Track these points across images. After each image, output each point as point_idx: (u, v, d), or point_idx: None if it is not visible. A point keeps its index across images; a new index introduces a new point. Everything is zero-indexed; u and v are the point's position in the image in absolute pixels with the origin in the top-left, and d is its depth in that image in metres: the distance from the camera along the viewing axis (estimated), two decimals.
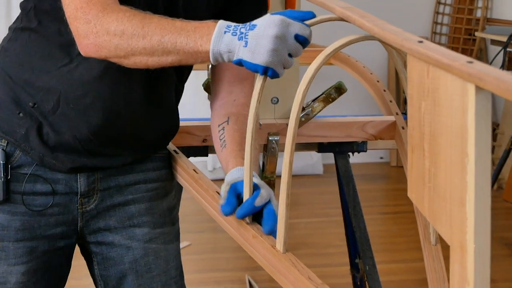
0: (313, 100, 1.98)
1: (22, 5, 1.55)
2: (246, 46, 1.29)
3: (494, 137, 5.11)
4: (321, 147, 2.12)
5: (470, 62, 0.93)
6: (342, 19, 1.33)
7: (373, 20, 1.22)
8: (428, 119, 1.03)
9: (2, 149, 1.51)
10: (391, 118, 2.02)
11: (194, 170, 1.64)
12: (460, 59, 0.94)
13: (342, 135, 2.01)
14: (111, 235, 1.61)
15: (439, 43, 5.51)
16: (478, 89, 0.88)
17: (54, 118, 1.50)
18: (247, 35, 1.29)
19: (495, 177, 4.20)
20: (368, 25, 1.21)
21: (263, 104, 2.00)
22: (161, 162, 1.67)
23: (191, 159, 2.10)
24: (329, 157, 5.36)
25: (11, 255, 1.53)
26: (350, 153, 2.18)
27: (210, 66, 1.87)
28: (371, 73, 2.45)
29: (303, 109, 1.99)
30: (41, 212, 1.54)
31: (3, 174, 1.51)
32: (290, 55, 1.32)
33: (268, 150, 1.96)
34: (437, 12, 5.49)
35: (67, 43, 1.47)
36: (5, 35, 1.59)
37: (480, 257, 0.89)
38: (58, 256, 1.59)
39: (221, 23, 1.31)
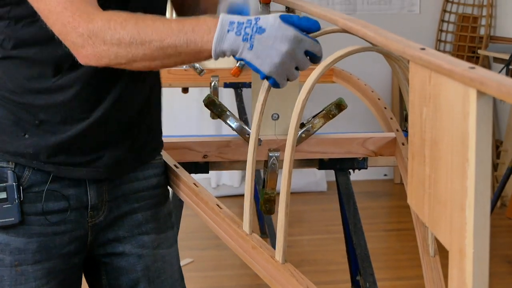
0: (314, 117, 1.98)
1: None
2: (251, 49, 1.29)
3: (498, 155, 5.10)
4: (322, 164, 2.12)
5: (472, 68, 0.94)
6: (345, 31, 1.34)
7: (375, 30, 1.24)
8: (429, 125, 1.04)
9: (12, 171, 1.48)
10: (392, 134, 2.03)
11: (195, 184, 1.66)
12: (462, 65, 0.95)
13: (342, 151, 2.02)
14: (121, 245, 1.62)
15: None
16: (480, 94, 0.89)
17: (65, 127, 1.49)
18: (253, 37, 1.29)
19: (498, 195, 4.20)
20: (370, 34, 1.23)
21: (263, 120, 2.01)
22: (159, 168, 1.69)
23: (193, 176, 2.12)
24: (333, 174, 5.38)
25: (31, 278, 1.51)
26: (351, 170, 2.19)
27: None
28: (372, 91, 2.47)
29: (303, 125, 2.00)
30: (55, 231, 1.52)
31: (17, 196, 1.48)
32: (297, 68, 1.33)
33: (269, 167, 1.97)
34: (440, 30, 5.51)
35: (53, 59, 1.45)
36: None
37: (479, 262, 0.89)
38: (74, 273, 1.58)
39: (224, 19, 1.30)
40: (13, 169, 1.49)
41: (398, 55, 1.29)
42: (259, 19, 1.31)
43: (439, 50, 5.51)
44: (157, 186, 1.67)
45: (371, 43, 1.26)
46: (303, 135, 1.98)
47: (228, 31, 1.29)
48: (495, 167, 5.08)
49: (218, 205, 1.57)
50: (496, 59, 4.57)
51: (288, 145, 1.31)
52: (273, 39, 1.29)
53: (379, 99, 2.36)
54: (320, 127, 1.98)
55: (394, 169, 5.53)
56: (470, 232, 0.89)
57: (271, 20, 1.31)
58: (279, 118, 2.01)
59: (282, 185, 1.35)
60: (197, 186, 1.65)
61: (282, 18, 1.32)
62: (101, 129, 1.52)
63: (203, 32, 1.29)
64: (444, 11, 5.50)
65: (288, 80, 1.34)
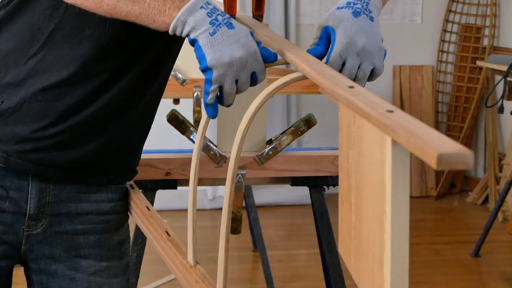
0: (282, 133, 1.91)
1: None
2: (211, 35, 1.25)
3: (500, 168, 5.00)
4: (295, 181, 2.05)
5: (390, 111, 0.86)
6: (288, 63, 1.30)
7: (314, 64, 1.19)
8: (354, 170, 0.97)
9: None
10: None
11: (147, 207, 1.58)
12: (380, 108, 0.88)
13: (311, 169, 1.94)
14: (55, 264, 1.54)
15: (445, 72, 5.43)
16: (395, 141, 0.82)
17: (21, 112, 1.43)
18: (220, 26, 1.25)
19: (497, 209, 4.10)
20: (307, 69, 1.18)
21: (229, 136, 1.94)
22: (116, 194, 1.59)
23: (160, 192, 2.04)
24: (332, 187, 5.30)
25: None
26: (325, 187, 2.11)
27: None
28: None
29: (271, 141, 1.92)
30: None
31: None
32: (236, 82, 1.29)
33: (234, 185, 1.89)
34: (443, 40, 5.41)
35: (33, 33, 1.42)
36: None
37: None
38: None
39: None
40: None
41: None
42: (232, 18, 1.29)
43: (441, 61, 5.42)
44: (109, 212, 1.58)
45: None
46: (270, 152, 1.90)
47: (201, 7, 1.25)
48: (497, 180, 4.98)
49: (167, 232, 1.50)
50: (495, 71, 4.47)
51: (228, 181, 1.24)
52: (235, 40, 1.26)
53: None
54: (288, 144, 1.90)
55: None
56: None
57: (241, 26, 1.29)
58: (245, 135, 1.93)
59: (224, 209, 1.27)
60: (149, 210, 1.57)
61: (251, 33, 1.30)
62: (81, 130, 1.46)
63: None
64: (447, 21, 5.41)
65: (220, 89, 1.28)
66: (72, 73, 1.42)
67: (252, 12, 1.78)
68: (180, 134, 1.92)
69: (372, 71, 1.36)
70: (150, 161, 1.90)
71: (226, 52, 1.25)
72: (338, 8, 1.38)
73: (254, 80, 1.30)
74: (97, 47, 1.42)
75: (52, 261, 1.54)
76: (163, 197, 4.72)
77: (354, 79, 1.35)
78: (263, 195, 5.09)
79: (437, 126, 5.40)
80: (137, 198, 1.61)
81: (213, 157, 1.89)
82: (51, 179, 1.49)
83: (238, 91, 1.31)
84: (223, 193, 4.85)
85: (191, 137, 1.89)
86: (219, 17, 1.26)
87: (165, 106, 3.98)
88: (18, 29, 1.44)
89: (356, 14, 1.35)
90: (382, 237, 0.85)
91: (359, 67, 1.34)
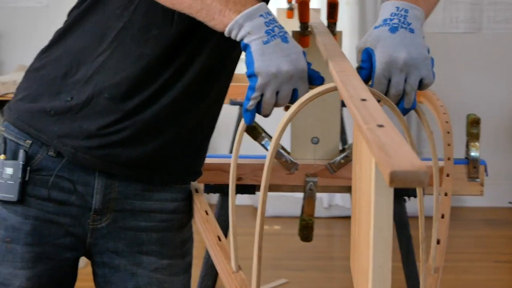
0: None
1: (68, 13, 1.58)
2: (264, 44, 1.27)
3: None
4: None
5: (380, 126, 0.85)
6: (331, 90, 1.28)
7: (347, 75, 1.19)
8: (357, 184, 0.96)
9: (24, 150, 1.51)
10: (441, 163, 1.89)
11: (206, 211, 1.61)
12: (372, 122, 0.86)
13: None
14: (118, 258, 1.58)
15: None
16: None
17: (88, 109, 1.49)
18: (275, 38, 1.28)
19: None
20: (337, 79, 1.18)
21: (302, 144, 1.93)
22: (180, 194, 1.62)
23: (240, 196, 2.06)
24: (453, 199, 5.17)
25: (18, 258, 1.52)
26: (407, 198, 2.07)
27: None
28: (444, 113, 2.33)
29: (344, 150, 1.90)
30: (53, 220, 1.52)
31: (21, 175, 1.50)
32: (276, 93, 1.31)
33: (306, 192, 1.88)
34: None
35: (103, 31, 1.48)
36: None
37: None
38: (63, 266, 1.57)
39: (264, 6, 1.30)
40: (27, 149, 1.51)
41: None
42: (288, 33, 1.31)
43: None
44: (172, 212, 1.61)
45: None
46: (342, 160, 1.88)
47: (261, 15, 1.28)
48: None
49: (218, 237, 1.52)
50: None
51: (262, 188, 1.25)
52: (286, 54, 1.28)
53: (446, 122, 2.22)
54: None
55: None
56: None
57: (296, 43, 1.31)
58: (319, 142, 1.93)
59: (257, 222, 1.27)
60: (207, 214, 1.60)
61: (304, 53, 1.32)
62: (145, 127, 1.50)
63: (239, 1, 1.29)
64: None
65: (262, 97, 1.30)
66: (137, 71, 1.47)
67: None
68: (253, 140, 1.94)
69: (421, 81, 1.34)
70: (222, 165, 1.92)
71: (275, 63, 1.27)
72: (375, 27, 1.38)
73: (294, 97, 1.31)
74: (162, 46, 1.47)
75: (115, 256, 1.58)
76: (275, 203, 4.79)
77: (403, 94, 1.33)
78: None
79: None
80: (199, 202, 1.63)
81: (284, 164, 1.89)
82: (116, 176, 1.54)
83: (277, 104, 1.32)
84: (339, 201, 4.86)
85: (263, 143, 1.90)
86: (276, 29, 1.29)
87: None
88: (89, 27, 1.50)
89: (393, 30, 1.34)
90: (367, 254, 0.83)
91: (406, 81, 1.33)
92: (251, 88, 1.30)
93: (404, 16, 1.36)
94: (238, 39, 1.29)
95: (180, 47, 1.48)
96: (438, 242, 1.50)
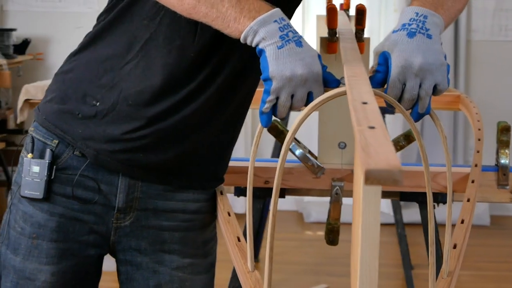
0: None
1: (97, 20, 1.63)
2: (278, 48, 1.30)
3: None
4: (403, 196, 2.03)
5: (371, 128, 0.87)
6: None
7: (357, 80, 1.20)
8: (356, 187, 0.98)
9: (51, 150, 1.56)
10: (466, 170, 1.89)
11: (228, 213, 1.64)
12: (365, 123, 0.88)
13: (410, 185, 1.91)
14: (140, 256, 1.63)
15: None
16: None
17: (113, 114, 1.53)
18: (289, 42, 1.31)
19: None
20: (347, 83, 1.20)
21: (329, 148, 1.95)
22: (202, 195, 1.66)
23: (285, 202, 2.08)
24: (499, 208, 5.11)
25: (43, 254, 1.57)
26: (435, 204, 2.06)
27: None
28: (478, 120, 2.33)
29: None
30: (77, 217, 1.57)
31: (47, 173, 1.55)
32: (292, 97, 1.33)
33: (332, 196, 1.90)
34: None
35: (130, 41, 1.52)
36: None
37: None
38: (87, 263, 1.62)
39: (278, 12, 1.32)
40: (53, 149, 1.56)
41: None
42: (303, 38, 1.34)
43: None
44: (195, 212, 1.65)
45: None
46: None
47: (275, 21, 1.31)
48: None
49: (238, 238, 1.55)
50: None
51: (275, 187, 1.27)
52: (301, 58, 1.30)
53: (479, 129, 2.22)
54: None
55: None
56: None
57: (310, 47, 1.34)
58: (346, 147, 1.94)
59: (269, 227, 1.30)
60: (229, 215, 1.63)
61: (319, 56, 1.35)
62: (167, 135, 1.55)
63: (253, 7, 1.32)
64: None
65: (276, 101, 1.32)
66: (160, 80, 1.51)
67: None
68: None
69: (436, 87, 1.35)
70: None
71: (289, 67, 1.30)
72: (393, 31, 1.39)
73: (310, 99, 1.34)
74: (185, 57, 1.51)
75: (138, 253, 1.63)
76: (319, 209, 4.80)
77: (418, 99, 1.35)
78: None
79: None
80: (222, 203, 1.67)
81: (311, 168, 1.91)
82: (139, 177, 1.59)
83: (292, 107, 1.35)
84: (385, 209, 4.85)
85: (290, 147, 1.92)
86: (290, 34, 1.31)
87: None
88: (118, 36, 1.55)
89: (411, 35, 1.36)
90: (356, 273, 0.85)
91: (420, 86, 1.34)
92: (266, 92, 1.32)
93: (423, 22, 1.37)
94: (253, 45, 1.32)
95: (204, 61, 1.52)
96: (454, 246, 1.50)
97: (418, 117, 1.37)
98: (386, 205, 5.05)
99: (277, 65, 1.30)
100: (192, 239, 1.66)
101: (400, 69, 1.33)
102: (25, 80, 4.44)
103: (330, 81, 1.34)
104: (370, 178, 0.72)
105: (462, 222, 1.58)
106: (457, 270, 1.46)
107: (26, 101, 3.83)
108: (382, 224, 4.95)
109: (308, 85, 1.32)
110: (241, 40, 1.33)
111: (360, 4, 1.71)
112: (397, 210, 3.72)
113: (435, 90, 1.36)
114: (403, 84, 1.34)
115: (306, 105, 1.33)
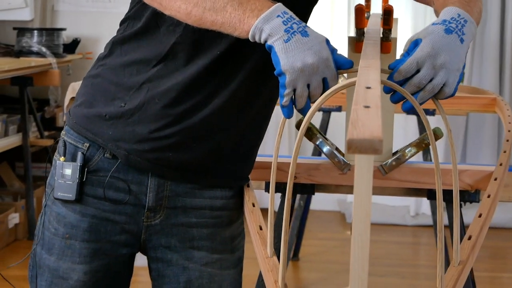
0: (407, 145, 1.93)
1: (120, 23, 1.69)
2: (286, 42, 1.33)
3: None
4: (431, 194, 2.06)
5: (366, 107, 0.91)
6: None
7: (367, 70, 1.24)
8: None
9: (82, 153, 1.61)
10: (490, 168, 1.92)
11: (253, 204, 1.69)
12: (361, 103, 0.93)
13: (435, 182, 1.94)
14: (170, 253, 1.68)
15: None
16: None
17: (140, 114, 1.58)
18: (295, 34, 1.34)
19: None
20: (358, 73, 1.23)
21: None
22: (229, 192, 1.71)
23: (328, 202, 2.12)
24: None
25: (76, 254, 1.63)
26: (462, 203, 2.09)
27: None
28: (510, 122, 2.35)
29: (396, 153, 1.95)
30: (109, 218, 1.63)
31: (79, 176, 1.60)
32: (308, 87, 1.37)
33: None
34: None
35: (157, 46, 1.57)
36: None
37: None
38: (119, 262, 1.67)
39: (280, 6, 1.35)
40: (84, 152, 1.62)
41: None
42: (308, 27, 1.37)
43: None
44: (222, 208, 1.70)
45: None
46: (394, 163, 1.93)
47: (278, 16, 1.34)
48: None
49: (260, 227, 1.61)
50: None
51: (290, 176, 1.32)
52: (309, 47, 1.33)
53: (509, 131, 2.24)
54: (412, 156, 1.92)
55: None
56: None
57: (317, 33, 1.37)
58: None
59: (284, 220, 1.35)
60: (254, 206, 1.69)
61: (327, 41, 1.38)
62: (194, 132, 1.60)
63: (255, 6, 1.36)
64: None
65: (294, 92, 1.36)
66: (186, 78, 1.57)
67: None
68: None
69: (442, 88, 1.39)
70: (279, 164, 1.98)
71: (299, 58, 1.33)
72: (433, 24, 1.42)
73: (326, 86, 1.37)
74: (212, 57, 1.56)
75: (168, 251, 1.68)
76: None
77: (421, 90, 1.38)
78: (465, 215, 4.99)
79: None
80: (248, 195, 1.72)
81: (337, 164, 1.95)
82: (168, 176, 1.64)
83: (310, 96, 1.38)
84: (426, 210, 4.83)
85: (317, 143, 1.96)
86: (294, 26, 1.34)
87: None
88: (145, 42, 1.60)
89: (448, 31, 1.38)
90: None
91: (431, 80, 1.37)
92: (282, 86, 1.36)
93: (462, 25, 1.40)
94: (262, 42, 1.36)
95: (227, 57, 1.56)
96: (469, 238, 1.54)
97: (409, 108, 1.40)
98: (428, 207, 5.06)
99: (287, 58, 1.33)
100: (220, 235, 1.71)
101: (424, 53, 1.36)
102: (74, 78, 4.55)
103: (342, 63, 1.37)
104: (352, 147, 0.77)
105: (480, 216, 1.62)
106: (471, 260, 1.49)
107: (72, 99, 3.93)
108: (425, 226, 4.97)
109: (321, 71, 1.35)
110: (250, 39, 1.37)
111: (388, 5, 1.75)
112: (434, 211, 3.73)
113: (441, 91, 1.39)
114: (418, 69, 1.37)
115: (324, 91, 1.37)
